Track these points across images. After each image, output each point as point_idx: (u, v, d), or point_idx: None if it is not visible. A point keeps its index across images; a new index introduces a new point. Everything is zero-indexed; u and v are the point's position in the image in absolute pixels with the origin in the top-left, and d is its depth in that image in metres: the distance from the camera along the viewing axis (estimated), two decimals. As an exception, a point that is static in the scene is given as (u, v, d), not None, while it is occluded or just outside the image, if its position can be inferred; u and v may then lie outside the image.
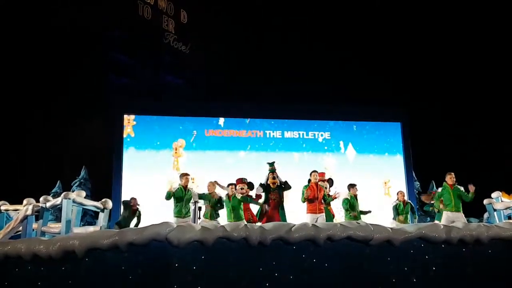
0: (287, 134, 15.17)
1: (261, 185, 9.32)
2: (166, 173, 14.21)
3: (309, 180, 8.96)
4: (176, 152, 14.48)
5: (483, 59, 15.60)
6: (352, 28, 15.69)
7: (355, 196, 9.40)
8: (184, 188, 8.61)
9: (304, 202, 8.80)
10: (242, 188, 9.11)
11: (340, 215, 10.67)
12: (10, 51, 14.19)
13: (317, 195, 8.71)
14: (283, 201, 9.09)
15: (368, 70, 15.71)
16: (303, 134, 15.25)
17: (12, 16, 14.16)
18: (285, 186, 9.20)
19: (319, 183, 9.05)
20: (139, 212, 10.01)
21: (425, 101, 16.02)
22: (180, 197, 8.48)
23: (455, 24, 15.26)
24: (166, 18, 15.80)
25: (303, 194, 8.79)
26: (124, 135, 14.31)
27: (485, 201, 10.10)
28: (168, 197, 8.48)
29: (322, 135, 15.34)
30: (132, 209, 9.87)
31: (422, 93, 15.98)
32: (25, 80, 14.66)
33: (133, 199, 10.04)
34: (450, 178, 8.74)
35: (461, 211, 8.56)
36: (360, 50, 15.62)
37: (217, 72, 15.26)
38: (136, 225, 9.92)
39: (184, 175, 8.80)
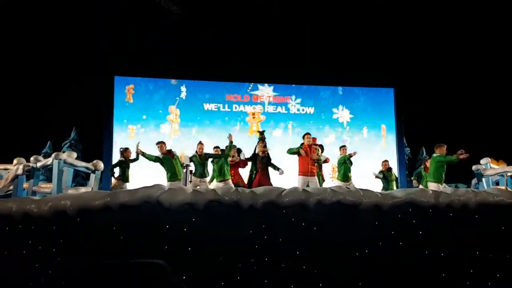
0: (278, 99, 15.16)
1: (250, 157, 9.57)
2: (158, 136, 14.24)
3: (302, 145, 9.05)
4: (176, 118, 14.59)
5: (481, 26, 15.41)
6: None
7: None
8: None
9: (291, 153, 8.88)
10: (232, 156, 9.30)
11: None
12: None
13: (310, 155, 8.80)
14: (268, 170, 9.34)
15: (362, 37, 15.41)
16: (294, 98, 15.26)
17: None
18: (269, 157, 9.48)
19: (312, 146, 9.16)
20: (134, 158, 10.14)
21: (418, 68, 15.90)
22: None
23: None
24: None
25: (293, 149, 8.91)
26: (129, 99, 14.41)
27: (474, 167, 10.24)
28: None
29: (312, 101, 15.34)
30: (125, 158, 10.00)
31: (415, 60, 15.84)
32: (14, 39, 14.34)
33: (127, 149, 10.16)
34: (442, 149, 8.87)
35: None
36: (352, 13, 15.22)
37: (210, 34, 14.94)
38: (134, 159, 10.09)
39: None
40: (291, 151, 8.94)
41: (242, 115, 14.85)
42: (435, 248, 6.46)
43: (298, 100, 15.14)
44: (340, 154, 10.21)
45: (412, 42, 15.49)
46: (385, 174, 10.73)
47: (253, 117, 14.83)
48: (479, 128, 15.74)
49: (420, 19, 15.12)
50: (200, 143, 9.14)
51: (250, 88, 15.01)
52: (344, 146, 10.45)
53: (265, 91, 15.06)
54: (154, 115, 14.52)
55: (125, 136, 14.14)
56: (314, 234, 6.33)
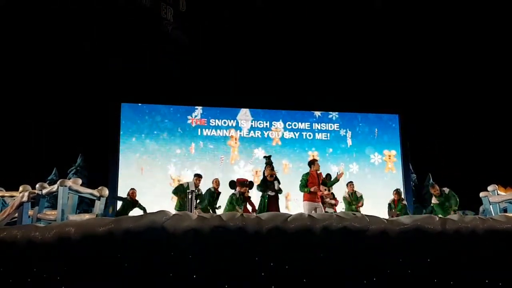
0: (279, 125, 15.22)
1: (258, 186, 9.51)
2: (163, 163, 14.29)
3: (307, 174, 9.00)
4: (236, 142, 14.76)
5: (486, 50, 15.46)
6: (347, 15, 15.34)
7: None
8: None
9: (302, 191, 8.83)
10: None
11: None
12: (9, 37, 14.04)
13: (317, 183, 8.77)
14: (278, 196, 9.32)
15: (365, 63, 15.49)
16: (296, 124, 15.31)
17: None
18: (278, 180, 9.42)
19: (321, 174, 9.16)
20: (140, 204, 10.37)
21: (422, 93, 15.93)
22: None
23: (457, 11, 14.97)
24: (164, 6, 15.62)
25: (303, 182, 8.82)
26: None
27: (481, 194, 10.17)
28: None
29: (318, 126, 15.37)
30: (131, 200, 10.25)
31: (420, 85, 15.88)
32: (20, 65, 14.54)
33: (131, 189, 10.40)
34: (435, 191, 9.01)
35: None
36: (355, 37, 15.31)
37: (216, 62, 15.12)
38: None
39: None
40: (302, 189, 8.86)
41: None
42: (444, 275, 6.35)
43: (304, 126, 15.19)
44: (347, 192, 10.17)
45: (417, 68, 15.55)
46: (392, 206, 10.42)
47: (235, 142, 14.90)
48: (487, 154, 15.64)
49: (425, 45, 15.21)
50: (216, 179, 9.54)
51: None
52: (351, 182, 10.35)
53: (246, 118, 15.19)
54: (161, 142, 14.58)
55: (131, 163, 14.17)
56: (321, 261, 6.25)
